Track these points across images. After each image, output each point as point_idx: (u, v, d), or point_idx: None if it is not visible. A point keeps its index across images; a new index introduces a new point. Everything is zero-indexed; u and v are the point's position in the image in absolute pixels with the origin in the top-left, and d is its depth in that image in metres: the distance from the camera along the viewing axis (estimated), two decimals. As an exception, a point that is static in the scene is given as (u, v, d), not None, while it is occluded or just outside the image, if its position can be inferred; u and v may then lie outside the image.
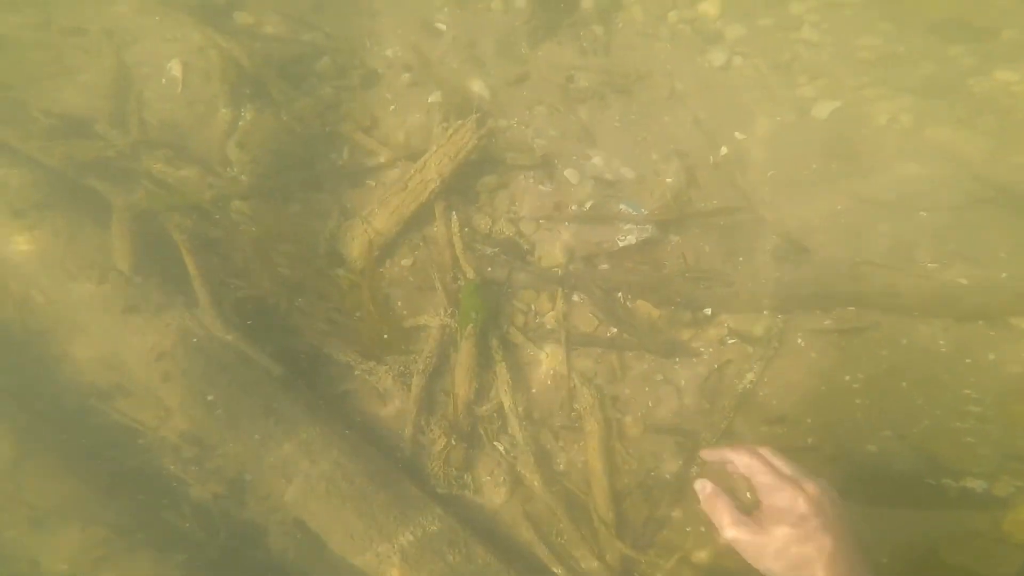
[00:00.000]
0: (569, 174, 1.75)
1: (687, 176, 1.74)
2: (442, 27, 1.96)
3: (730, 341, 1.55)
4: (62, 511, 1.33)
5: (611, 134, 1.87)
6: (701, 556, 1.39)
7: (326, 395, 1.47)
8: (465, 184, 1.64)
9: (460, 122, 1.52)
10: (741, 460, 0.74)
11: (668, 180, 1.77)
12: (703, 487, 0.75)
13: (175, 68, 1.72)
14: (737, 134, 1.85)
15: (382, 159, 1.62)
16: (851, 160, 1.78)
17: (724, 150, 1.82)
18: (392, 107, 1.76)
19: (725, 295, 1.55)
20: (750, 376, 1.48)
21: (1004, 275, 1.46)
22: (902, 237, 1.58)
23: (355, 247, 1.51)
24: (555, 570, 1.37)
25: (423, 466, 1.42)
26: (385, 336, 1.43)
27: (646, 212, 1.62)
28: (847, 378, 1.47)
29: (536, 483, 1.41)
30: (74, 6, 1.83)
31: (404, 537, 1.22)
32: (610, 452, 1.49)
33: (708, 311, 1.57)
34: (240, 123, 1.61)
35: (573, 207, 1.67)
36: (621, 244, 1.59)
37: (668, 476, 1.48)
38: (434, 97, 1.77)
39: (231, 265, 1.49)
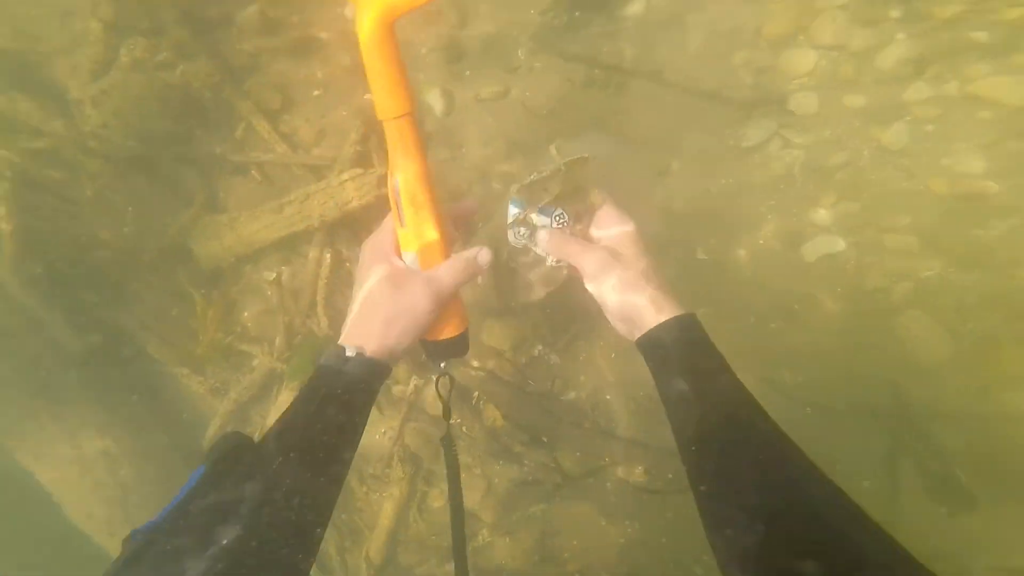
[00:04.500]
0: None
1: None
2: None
3: (551, 465, 1.62)
4: None
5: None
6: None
7: (137, 372, 1.42)
8: (360, 220, 1.41)
9: (359, 171, 1.23)
10: None
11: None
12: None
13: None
14: (700, 253, 1.45)
15: (271, 157, 1.32)
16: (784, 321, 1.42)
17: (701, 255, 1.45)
18: (316, 92, 1.34)
19: (573, 434, 1.56)
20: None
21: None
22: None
23: (207, 248, 1.32)
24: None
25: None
26: (208, 352, 1.36)
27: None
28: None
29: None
30: None
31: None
32: (404, 513, 1.62)
33: (545, 439, 1.59)
34: (113, 68, 1.19)
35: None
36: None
37: (444, 545, 1.66)
38: (369, 96, 1.36)
39: (60, 222, 1.27)
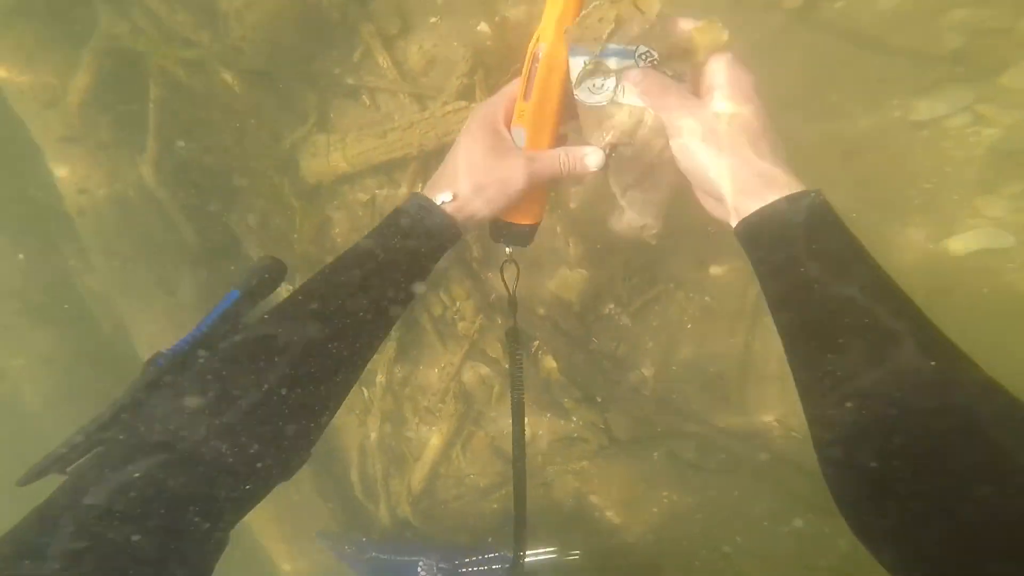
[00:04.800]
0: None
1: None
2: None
3: (600, 426, 1.62)
4: None
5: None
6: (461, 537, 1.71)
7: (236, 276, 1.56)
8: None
9: (462, 104, 1.27)
10: None
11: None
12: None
13: None
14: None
15: (382, 83, 1.39)
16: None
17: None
18: (433, 19, 1.37)
19: (629, 398, 1.55)
20: (582, 460, 1.59)
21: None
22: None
23: (313, 164, 1.43)
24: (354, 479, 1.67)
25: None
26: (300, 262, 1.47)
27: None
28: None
29: (372, 437, 1.64)
30: None
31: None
32: (449, 449, 1.69)
33: (599, 399, 1.59)
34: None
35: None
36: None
37: (481, 484, 1.71)
38: (482, 27, 1.35)
39: (195, 125, 1.42)
